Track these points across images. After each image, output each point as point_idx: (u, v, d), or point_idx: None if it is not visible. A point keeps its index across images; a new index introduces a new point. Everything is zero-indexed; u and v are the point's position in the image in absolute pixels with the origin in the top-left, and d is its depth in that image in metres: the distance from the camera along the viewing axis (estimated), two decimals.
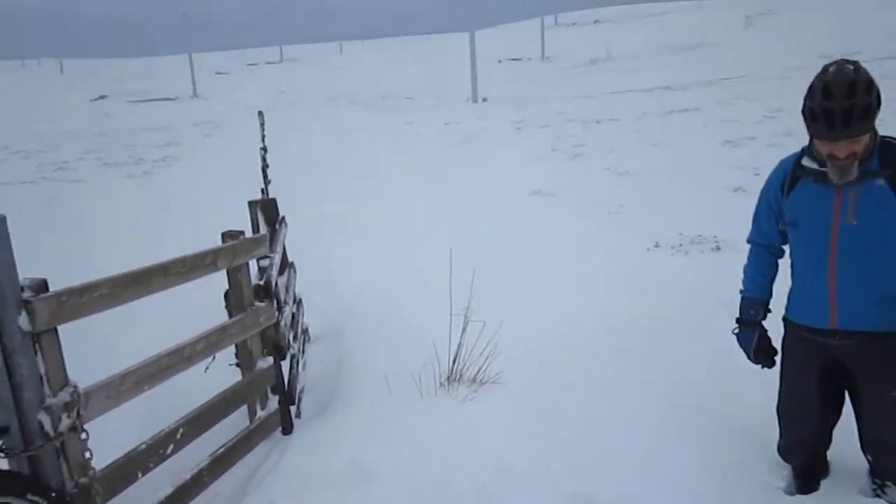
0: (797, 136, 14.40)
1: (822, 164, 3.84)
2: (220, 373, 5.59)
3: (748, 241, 4.54)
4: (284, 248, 7.51)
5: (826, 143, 3.70)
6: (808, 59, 39.98)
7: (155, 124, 34.79)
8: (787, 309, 4.22)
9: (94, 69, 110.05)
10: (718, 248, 9.42)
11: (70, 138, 29.12)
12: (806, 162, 4.00)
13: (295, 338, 6.95)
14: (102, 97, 61.17)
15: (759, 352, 4.33)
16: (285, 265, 7.61)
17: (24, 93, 65.94)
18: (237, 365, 5.95)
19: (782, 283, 4.27)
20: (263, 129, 8.93)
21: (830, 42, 46.40)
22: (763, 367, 4.39)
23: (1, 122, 39.31)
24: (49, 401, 3.34)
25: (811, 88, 3.76)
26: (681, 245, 9.75)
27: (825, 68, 3.78)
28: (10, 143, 28.09)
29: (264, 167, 8.83)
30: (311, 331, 8.20)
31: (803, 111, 3.82)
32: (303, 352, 7.55)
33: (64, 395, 3.40)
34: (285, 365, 6.14)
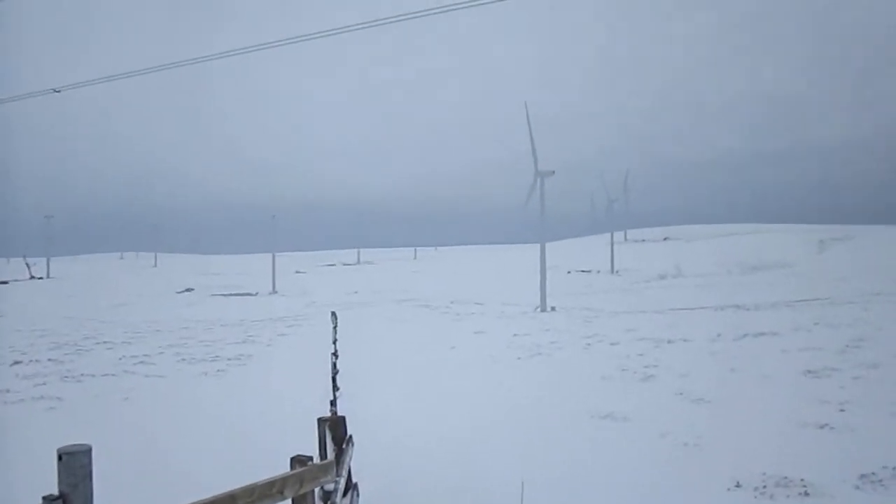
0: (885, 369, 13.70)
1: None
2: None
3: None
4: (350, 470, 7.36)
5: None
6: (888, 285, 39.40)
7: (234, 319, 36.16)
8: None
9: (184, 263, 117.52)
10: (807, 494, 8.73)
11: (154, 330, 30.37)
12: None
13: None
14: (188, 290, 64.61)
15: None
16: (349, 486, 7.42)
17: (117, 285, 70.29)
18: None
19: None
20: (336, 332, 9.10)
21: None
22: None
23: (92, 313, 41.63)
24: None
25: None
26: (765, 487, 9.08)
27: None
28: (98, 333, 29.47)
29: (334, 375, 8.92)
30: None
31: None
32: None
33: None
34: None
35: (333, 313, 9.34)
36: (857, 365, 15.72)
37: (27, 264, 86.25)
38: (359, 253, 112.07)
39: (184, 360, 21.39)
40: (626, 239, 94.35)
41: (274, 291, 61.20)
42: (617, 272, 66.77)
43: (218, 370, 19.38)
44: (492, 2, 14.81)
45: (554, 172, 38.05)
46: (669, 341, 21.11)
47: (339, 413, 7.65)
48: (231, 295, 58.83)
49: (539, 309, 35.47)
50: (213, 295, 58.87)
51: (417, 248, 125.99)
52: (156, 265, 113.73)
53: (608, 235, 75.29)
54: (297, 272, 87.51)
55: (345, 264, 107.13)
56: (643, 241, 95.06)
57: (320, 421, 7.02)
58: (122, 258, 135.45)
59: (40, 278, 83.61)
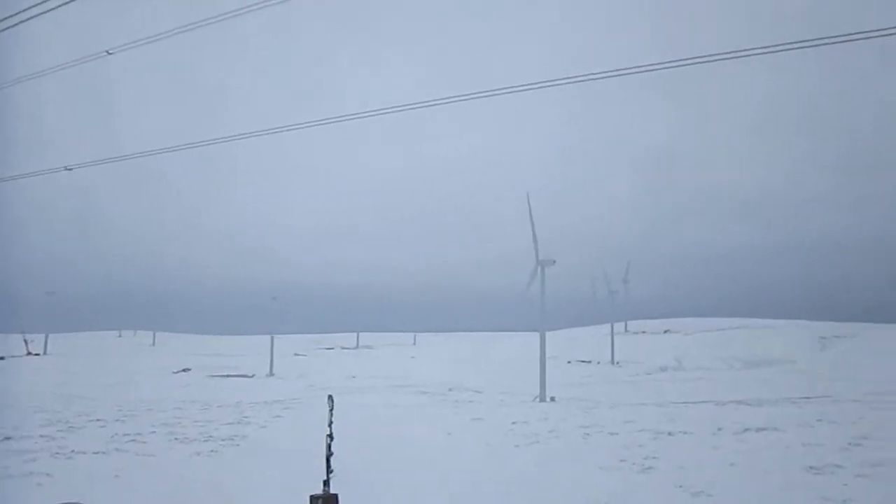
0: (888, 467, 13.51)
1: None
2: None
3: None
4: None
5: None
6: (890, 385, 39.01)
7: (230, 400, 35.68)
8: None
9: (183, 343, 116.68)
10: None
11: (147, 409, 29.97)
12: None
13: None
14: (185, 370, 64.01)
15: None
16: None
17: (114, 362, 69.75)
18: None
19: None
20: (332, 415, 9.06)
21: None
22: None
23: (86, 390, 41.18)
24: None
25: None
26: None
27: None
28: (91, 410, 29.09)
29: (328, 456, 8.83)
30: None
31: None
32: None
33: None
34: None
35: (330, 396, 9.37)
36: (859, 463, 15.46)
37: (25, 340, 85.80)
38: (358, 337, 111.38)
39: (176, 439, 21.05)
40: (626, 330, 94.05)
41: (271, 374, 60.63)
42: (617, 363, 66.29)
43: (211, 450, 19.05)
44: (488, 95, 15.30)
45: (555, 262, 38.38)
46: (670, 434, 20.81)
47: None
48: (228, 376, 58.31)
49: (538, 398, 35.08)
50: (210, 376, 58.35)
51: (417, 334, 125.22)
52: (154, 344, 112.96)
53: (608, 326, 75.10)
54: (296, 355, 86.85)
55: (343, 348, 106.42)
56: (643, 332, 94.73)
57: (313, 498, 6.96)
58: (120, 336, 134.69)
59: (37, 354, 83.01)
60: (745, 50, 11.72)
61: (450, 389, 40.96)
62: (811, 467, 15.35)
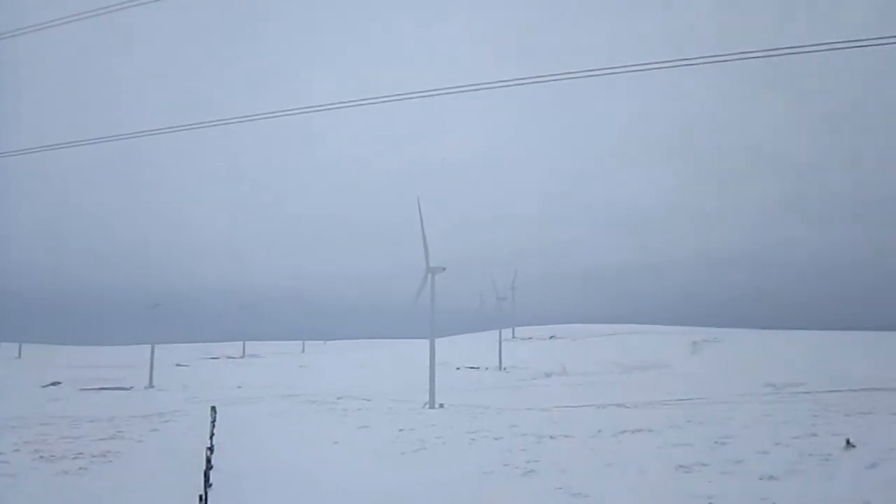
0: (747, 464, 14.39)
1: None
2: None
3: None
4: None
5: None
6: (755, 387, 41.71)
7: (103, 414, 33.84)
8: None
9: (53, 354, 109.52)
10: None
11: (11, 427, 27.97)
12: None
13: None
14: (55, 384, 60.14)
15: None
16: None
17: None
18: None
19: None
20: (213, 427, 8.78)
21: (774, 372, 48.79)
22: None
23: None
24: None
25: None
26: None
27: None
28: None
29: (207, 470, 8.55)
30: None
31: None
32: None
33: None
34: None
35: (213, 408, 9.07)
36: (724, 460, 16.42)
37: None
38: (244, 346, 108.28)
39: (42, 457, 19.77)
40: (514, 336, 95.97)
41: (151, 385, 57.99)
42: (505, 369, 67.51)
43: (80, 468, 18.01)
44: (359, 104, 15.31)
45: (445, 269, 38.70)
46: (552, 437, 21.39)
47: None
48: (103, 389, 55.30)
49: (427, 405, 35.22)
50: (82, 389, 55.10)
51: (306, 342, 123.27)
52: (20, 356, 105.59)
53: (496, 332, 76.43)
54: (178, 365, 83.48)
55: (229, 357, 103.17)
56: (530, 338, 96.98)
57: None
58: None
59: None
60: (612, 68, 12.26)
61: (339, 398, 40.48)
62: (680, 466, 16.18)
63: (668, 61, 12.48)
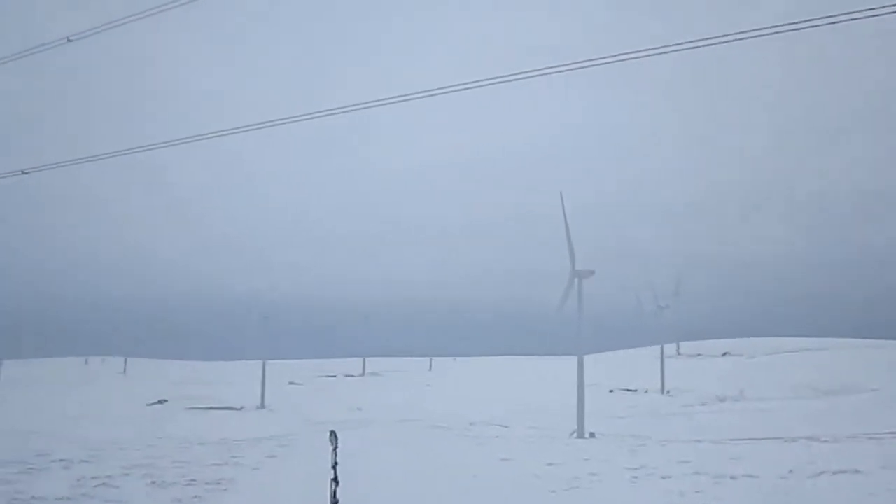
0: None
1: None
2: None
3: None
4: None
5: None
6: None
7: (213, 437, 35.83)
8: None
9: (159, 370, 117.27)
10: None
11: (119, 448, 30.13)
12: None
13: None
14: (161, 402, 64.24)
15: None
16: None
17: (78, 393, 70.19)
18: None
19: None
20: (336, 455, 9.01)
21: None
22: None
23: (45, 425, 41.41)
24: None
25: None
26: None
27: None
28: (52, 448, 29.26)
29: None
30: None
31: None
32: None
33: None
34: None
35: (333, 433, 9.32)
36: None
37: None
38: (364, 362, 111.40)
39: (153, 483, 21.14)
40: (678, 353, 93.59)
41: (263, 406, 60.76)
42: (668, 392, 65.89)
43: (194, 496, 19.11)
44: (512, 79, 15.27)
45: (594, 272, 38.18)
46: (732, 477, 20.68)
47: None
48: (212, 409, 58.47)
49: (575, 434, 34.90)
50: (190, 408, 58.52)
51: (433, 358, 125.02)
52: (125, 372, 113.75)
53: (657, 348, 74.63)
54: (292, 384, 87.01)
55: (347, 375, 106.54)
56: (698, 355, 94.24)
57: None
58: (86, 363, 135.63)
59: None
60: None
61: (471, 423, 40.85)
62: None
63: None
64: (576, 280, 37.89)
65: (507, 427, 39.18)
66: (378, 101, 17.04)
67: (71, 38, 19.39)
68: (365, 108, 17.44)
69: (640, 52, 13.40)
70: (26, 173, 22.39)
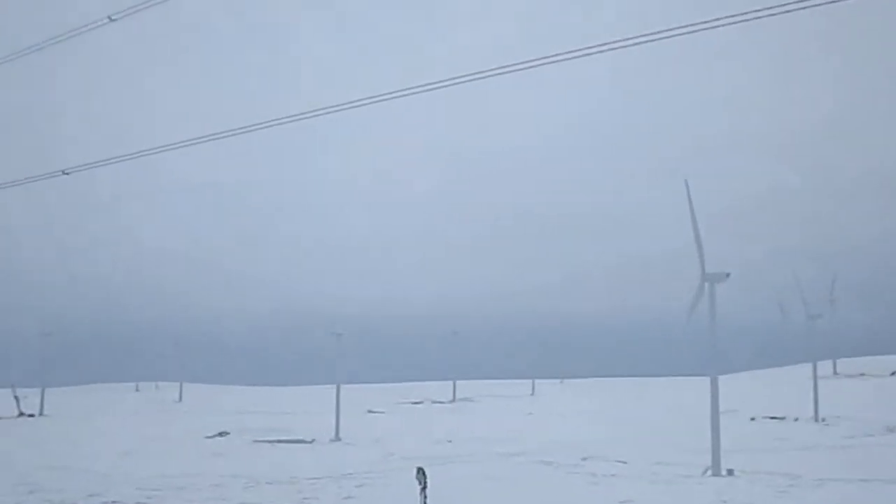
0: None
1: None
2: None
3: None
4: None
5: None
6: None
7: (282, 475, 36.55)
8: None
9: (218, 397, 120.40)
10: None
11: (177, 488, 31.08)
12: None
13: None
14: (223, 434, 65.86)
15: None
16: None
17: (130, 425, 72.67)
18: None
19: None
20: (425, 497, 9.12)
21: None
22: None
23: (94, 462, 42.99)
24: None
25: None
26: None
27: None
28: (102, 489, 30.39)
29: None
30: None
31: None
32: None
33: None
34: None
35: (421, 470, 9.41)
36: None
37: (16, 397, 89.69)
38: (454, 386, 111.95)
39: None
40: (835, 372, 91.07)
41: (337, 438, 61.66)
42: (823, 420, 64.17)
43: None
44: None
45: (729, 275, 37.39)
46: None
47: None
48: (279, 442, 59.65)
49: (710, 472, 34.33)
50: (255, 441, 59.88)
51: (536, 381, 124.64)
52: (180, 399, 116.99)
53: (808, 367, 72.69)
54: (371, 412, 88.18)
55: (435, 402, 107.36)
56: (861, 375, 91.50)
57: None
58: (137, 390, 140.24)
59: (31, 415, 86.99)
60: None
61: (583, 458, 40.59)
62: None
63: None
64: (706, 285, 37.18)
65: (626, 463, 38.79)
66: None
67: None
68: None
69: None
70: (67, 174, 23.39)
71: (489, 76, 16.15)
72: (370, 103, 18.42)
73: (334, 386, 66.54)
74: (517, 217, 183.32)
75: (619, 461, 39.74)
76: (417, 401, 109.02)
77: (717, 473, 34.06)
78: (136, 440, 57.68)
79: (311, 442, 60.14)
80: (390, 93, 17.81)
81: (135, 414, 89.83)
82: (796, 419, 66.02)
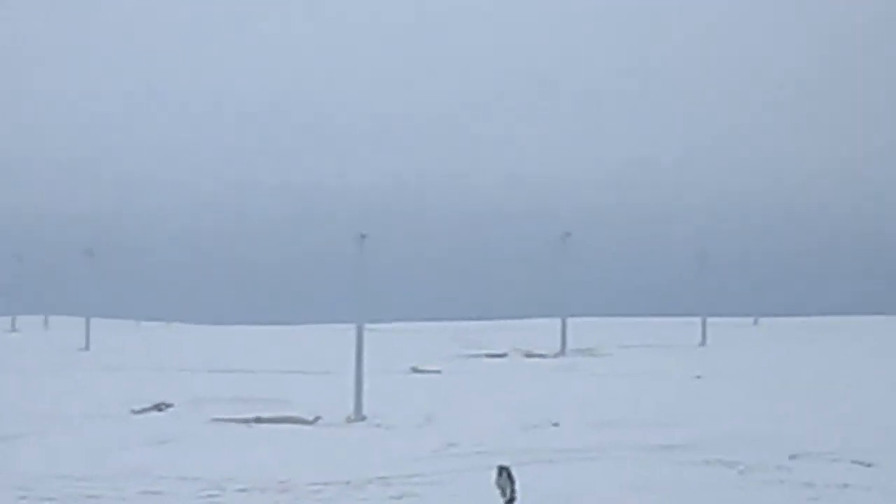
0: None
1: None
2: None
3: None
4: None
5: None
6: None
7: (268, 477, 36.72)
8: None
9: (155, 343, 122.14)
10: None
11: (87, 496, 31.48)
12: None
13: None
14: (160, 407, 66.22)
15: None
16: None
17: (7, 390, 73.92)
18: None
19: None
20: None
21: None
22: None
23: None
24: None
25: None
26: None
27: None
28: None
29: None
30: None
31: None
32: None
33: None
34: None
35: (503, 470, 9.49)
36: None
37: None
38: (564, 329, 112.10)
39: None
40: None
41: (359, 416, 61.89)
42: None
43: None
44: None
45: None
46: None
47: None
48: (259, 422, 60.01)
49: None
50: (214, 420, 60.23)
51: (708, 320, 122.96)
52: (87, 347, 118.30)
53: None
54: (415, 370, 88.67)
55: (531, 355, 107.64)
56: None
57: None
58: (14, 330, 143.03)
59: None
60: None
61: (791, 457, 40.55)
62: None
63: None
64: None
65: (870, 466, 38.74)
66: None
67: None
68: None
69: None
70: None
71: None
72: None
73: (353, 326, 66.24)
74: None
75: (858, 462, 39.65)
76: (497, 352, 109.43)
77: None
78: (16, 418, 58.29)
79: (312, 422, 60.35)
80: None
81: (14, 371, 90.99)
82: None
